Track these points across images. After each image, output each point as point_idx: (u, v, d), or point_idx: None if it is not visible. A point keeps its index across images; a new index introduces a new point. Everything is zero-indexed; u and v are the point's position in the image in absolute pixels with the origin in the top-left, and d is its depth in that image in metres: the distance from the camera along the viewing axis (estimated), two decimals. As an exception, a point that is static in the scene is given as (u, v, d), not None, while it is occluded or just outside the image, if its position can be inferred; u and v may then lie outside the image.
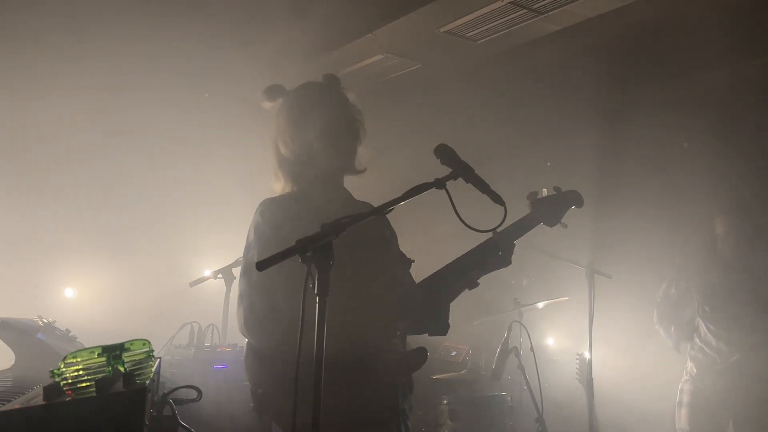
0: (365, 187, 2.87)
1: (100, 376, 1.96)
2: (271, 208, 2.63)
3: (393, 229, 2.81)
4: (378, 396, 2.50)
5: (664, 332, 4.74)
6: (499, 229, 2.52)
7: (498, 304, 5.73)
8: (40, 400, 1.92)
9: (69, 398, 1.93)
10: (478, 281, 2.71)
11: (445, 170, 2.32)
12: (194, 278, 5.16)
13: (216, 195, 6.30)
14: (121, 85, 5.91)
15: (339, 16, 5.70)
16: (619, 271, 4.89)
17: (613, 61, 5.82)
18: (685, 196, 5.34)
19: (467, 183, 2.31)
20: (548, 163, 6.30)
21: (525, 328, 4.85)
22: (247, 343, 2.57)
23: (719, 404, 4.46)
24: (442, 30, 5.79)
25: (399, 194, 2.18)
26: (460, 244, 2.69)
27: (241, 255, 2.66)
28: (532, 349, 4.67)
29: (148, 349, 2.15)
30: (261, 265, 1.91)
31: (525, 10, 5.38)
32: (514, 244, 2.72)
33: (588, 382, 4.57)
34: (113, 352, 2.04)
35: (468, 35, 5.88)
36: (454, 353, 6.16)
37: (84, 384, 1.96)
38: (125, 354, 2.06)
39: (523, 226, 2.78)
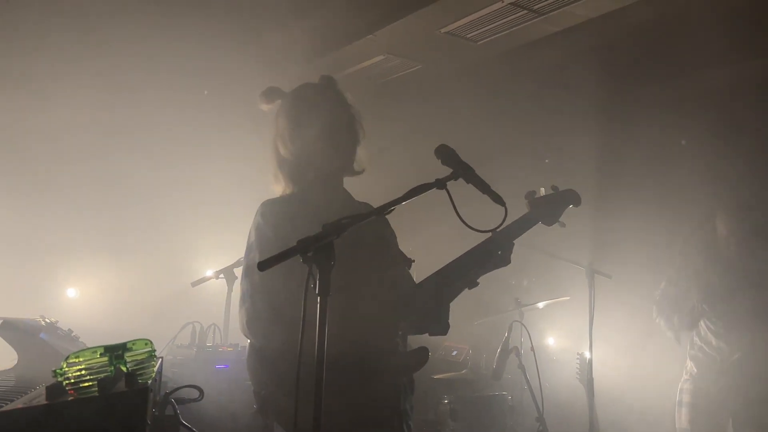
0: (366, 188, 2.88)
1: (102, 375, 1.96)
2: (271, 209, 2.64)
3: (392, 230, 2.82)
4: (380, 396, 2.50)
5: (666, 323, 4.68)
6: (498, 229, 2.53)
7: (498, 304, 5.74)
8: (42, 400, 1.93)
9: (71, 398, 1.93)
10: (478, 281, 2.71)
11: (446, 170, 2.33)
12: (196, 278, 5.16)
13: (218, 195, 6.30)
14: (123, 85, 5.91)
15: (340, 18, 5.71)
16: (620, 271, 4.90)
17: (613, 62, 5.83)
18: (685, 196, 5.34)
19: (468, 183, 2.31)
20: (546, 161, 6.31)
21: (525, 327, 4.85)
22: (250, 344, 2.57)
23: (719, 403, 4.45)
24: (442, 31, 5.79)
25: (400, 194, 2.18)
26: (460, 244, 2.69)
27: (243, 255, 2.66)
28: (532, 348, 4.68)
29: (150, 348, 2.15)
30: (262, 266, 1.92)
31: (525, 11, 5.37)
32: (513, 243, 2.72)
33: (588, 381, 4.57)
34: (115, 351, 2.05)
35: (468, 36, 5.87)
36: (454, 353, 6.16)
37: (86, 384, 1.96)
38: (127, 354, 2.07)
39: (521, 226, 2.77)
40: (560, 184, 2.94)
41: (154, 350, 2.18)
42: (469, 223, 2.23)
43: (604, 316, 4.82)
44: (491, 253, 2.68)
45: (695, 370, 4.59)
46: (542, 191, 2.91)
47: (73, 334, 3.61)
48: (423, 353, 2.58)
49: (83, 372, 1.98)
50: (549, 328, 6.14)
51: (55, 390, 1.93)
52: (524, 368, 4.69)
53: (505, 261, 2.70)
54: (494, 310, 5.75)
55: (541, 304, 5.53)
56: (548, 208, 2.87)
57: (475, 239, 2.63)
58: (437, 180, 2.25)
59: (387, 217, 2.32)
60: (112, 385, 1.93)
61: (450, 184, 2.27)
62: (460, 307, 2.78)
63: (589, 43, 5.75)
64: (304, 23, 5.69)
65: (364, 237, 2.44)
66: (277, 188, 2.76)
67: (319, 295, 1.94)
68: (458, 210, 2.24)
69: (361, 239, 2.32)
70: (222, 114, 6.22)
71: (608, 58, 5.82)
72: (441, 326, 2.64)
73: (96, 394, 1.91)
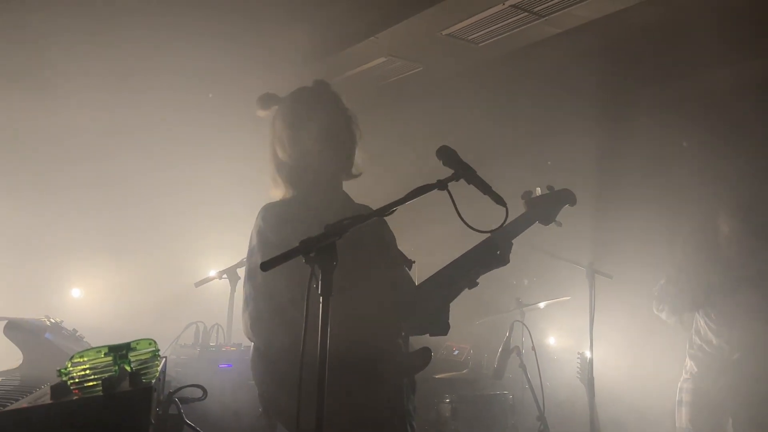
0: (368, 189, 2.89)
1: (106, 375, 1.96)
2: (272, 212, 2.64)
3: (391, 231, 2.83)
4: (383, 397, 2.50)
5: (669, 308, 4.70)
6: (499, 230, 2.54)
7: (500, 304, 5.74)
8: (47, 399, 1.93)
9: (76, 397, 1.93)
10: (478, 281, 2.72)
11: (447, 171, 2.33)
12: (199, 278, 5.15)
13: (222, 195, 6.30)
14: (127, 87, 5.93)
15: (342, 20, 5.72)
16: (620, 271, 4.91)
17: (613, 63, 5.82)
18: (686, 196, 5.34)
19: (469, 184, 2.32)
20: (549, 162, 6.31)
21: (526, 327, 4.85)
22: (254, 347, 2.56)
23: (719, 403, 4.47)
24: (443, 33, 5.80)
25: (401, 195, 2.19)
26: (461, 244, 2.71)
27: (245, 256, 2.65)
28: (533, 348, 4.69)
29: (153, 348, 2.15)
30: (265, 266, 1.92)
31: (526, 13, 5.38)
32: (512, 243, 2.74)
33: (589, 380, 4.58)
34: (120, 351, 2.05)
35: (470, 38, 5.88)
36: (456, 352, 6.15)
37: (91, 383, 1.96)
38: (131, 353, 2.07)
39: (519, 225, 2.80)
40: (561, 184, 2.96)
41: (158, 350, 2.18)
42: (470, 224, 2.23)
43: (604, 316, 4.82)
44: (490, 253, 2.70)
45: (695, 369, 4.60)
46: (538, 191, 2.94)
47: (77, 334, 3.63)
48: (426, 354, 2.59)
49: (88, 371, 1.98)
50: (550, 328, 6.14)
51: (59, 389, 1.94)
52: (525, 367, 4.69)
53: (504, 260, 2.72)
54: (495, 310, 5.75)
55: (542, 304, 5.53)
56: (545, 208, 2.90)
57: (476, 239, 2.64)
58: (439, 181, 2.25)
59: (388, 217, 2.31)
60: (116, 384, 1.93)
61: (451, 185, 2.27)
62: (461, 307, 2.79)
63: (589, 45, 5.75)
64: (306, 25, 5.70)
65: (365, 238, 2.45)
66: (276, 193, 2.76)
67: (321, 295, 1.94)
68: (459, 210, 2.23)
69: (361, 240, 2.32)
70: (223, 115, 6.24)
71: (609, 59, 5.82)
72: (441, 327, 2.66)
73: (100, 393, 1.90)
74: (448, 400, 5.16)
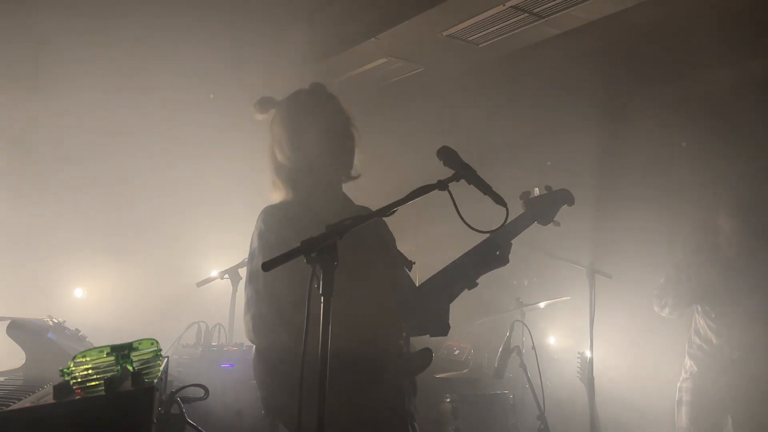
0: (369, 189, 2.90)
1: (109, 375, 1.97)
2: (273, 215, 2.63)
3: (391, 232, 2.83)
4: (384, 399, 2.50)
5: (672, 304, 4.69)
6: (499, 230, 2.54)
7: (500, 304, 5.75)
8: (50, 399, 1.95)
9: (78, 397, 1.95)
10: (477, 281, 2.73)
11: (448, 171, 2.33)
12: (201, 278, 5.14)
13: (222, 195, 6.29)
14: (129, 87, 5.92)
15: (342, 21, 5.73)
16: (620, 271, 4.92)
17: (613, 63, 5.83)
18: (686, 196, 5.35)
19: (469, 184, 2.32)
20: (549, 163, 6.32)
21: (527, 327, 4.85)
22: (255, 349, 2.55)
23: (719, 402, 4.48)
24: (444, 34, 5.80)
25: (402, 195, 2.19)
26: (461, 244, 2.71)
27: (247, 257, 2.65)
28: (533, 347, 4.68)
29: (156, 348, 2.16)
30: (267, 266, 1.92)
31: (526, 14, 5.39)
32: (512, 244, 2.74)
33: (589, 380, 4.60)
34: (122, 351, 2.05)
35: (470, 39, 5.89)
36: (457, 352, 6.16)
37: (93, 383, 1.97)
38: (134, 353, 2.08)
39: (518, 226, 2.80)
40: (561, 184, 2.97)
41: (160, 350, 2.19)
42: (470, 224, 2.24)
43: (604, 316, 4.84)
44: (490, 254, 2.70)
45: (695, 369, 4.60)
46: (536, 191, 2.95)
47: (80, 334, 3.63)
48: (427, 355, 2.60)
49: (90, 371, 1.99)
50: (550, 328, 6.14)
51: (62, 389, 1.95)
52: (525, 367, 4.68)
53: (503, 261, 2.72)
54: (496, 310, 5.75)
55: (542, 304, 5.54)
56: (543, 208, 2.90)
57: (476, 239, 2.64)
58: (439, 181, 2.25)
59: (389, 218, 2.30)
60: (118, 384, 1.94)
61: (452, 185, 2.27)
62: (461, 307, 2.80)
63: (589, 45, 5.75)
64: (307, 26, 5.71)
65: (365, 239, 2.45)
66: (276, 196, 2.75)
67: (322, 295, 1.94)
68: (460, 210, 2.24)
69: (361, 241, 2.31)
70: (224, 115, 6.24)
71: (609, 60, 5.83)
72: (441, 327, 2.66)
73: (103, 393, 1.92)
74: (449, 399, 5.16)
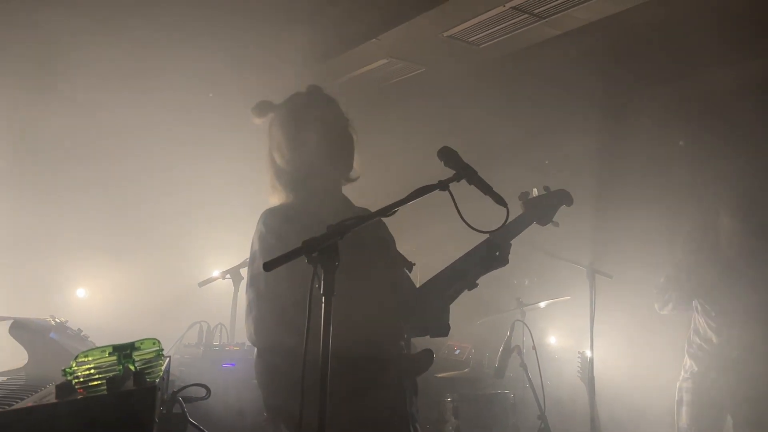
0: (370, 189, 2.90)
1: (111, 374, 1.98)
2: (273, 217, 2.63)
3: (391, 234, 2.83)
4: (385, 399, 2.50)
5: (675, 300, 4.71)
6: (499, 230, 2.54)
7: (501, 304, 5.75)
8: (52, 398, 1.96)
9: (81, 396, 1.95)
10: (477, 282, 2.73)
11: (449, 172, 2.33)
12: (203, 278, 5.16)
13: (225, 196, 6.29)
14: (130, 87, 5.93)
15: (344, 22, 5.72)
16: (620, 271, 4.93)
17: (613, 64, 5.83)
18: (686, 196, 5.35)
19: (470, 185, 2.31)
20: (546, 162, 6.33)
21: (527, 327, 4.85)
22: (257, 352, 2.55)
23: (719, 401, 4.48)
24: (445, 35, 5.80)
25: (403, 196, 2.19)
26: (462, 244, 2.72)
27: (248, 257, 2.65)
28: (534, 347, 4.70)
29: (158, 348, 2.16)
30: (268, 266, 1.91)
31: (526, 15, 5.39)
32: (511, 244, 2.75)
33: (589, 379, 4.61)
34: (124, 351, 2.06)
35: (470, 40, 5.89)
36: (457, 352, 6.17)
37: (95, 382, 1.98)
38: (136, 353, 2.08)
39: (517, 226, 2.82)
40: (561, 184, 2.98)
41: (162, 349, 2.19)
42: (471, 224, 2.24)
43: (605, 316, 4.85)
44: (490, 254, 2.70)
45: (695, 368, 4.60)
46: (535, 192, 2.96)
47: (82, 334, 3.65)
48: (428, 356, 2.60)
49: (92, 371, 2.00)
50: (550, 327, 6.15)
51: (64, 388, 1.96)
52: (526, 367, 4.70)
53: (503, 261, 2.72)
54: (496, 310, 5.75)
55: (542, 304, 5.54)
56: (542, 209, 2.92)
57: (476, 239, 2.65)
58: (440, 181, 2.25)
59: (390, 218, 2.29)
60: (120, 383, 1.95)
61: (452, 185, 2.27)
62: (462, 307, 2.81)
63: (589, 46, 5.75)
64: (307, 27, 5.70)
65: (365, 240, 2.44)
66: (275, 199, 2.74)
67: (323, 295, 1.94)
68: (460, 211, 2.24)
69: (361, 242, 2.30)
70: (225, 115, 6.25)
71: (609, 60, 5.83)
72: (441, 328, 2.66)
73: (105, 392, 1.92)
74: (450, 398, 5.16)
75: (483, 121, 6.15)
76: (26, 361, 3.26)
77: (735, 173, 5.12)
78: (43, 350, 3.28)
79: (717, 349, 4.53)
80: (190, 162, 6.35)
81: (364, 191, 2.86)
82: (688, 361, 4.68)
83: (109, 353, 2.05)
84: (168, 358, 2.49)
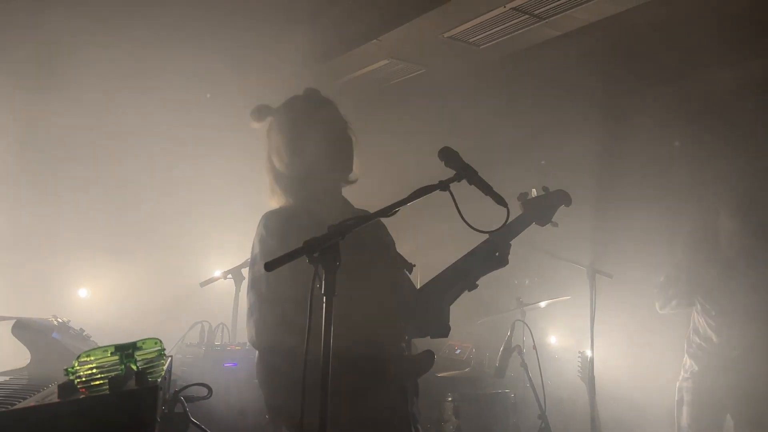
0: (370, 190, 2.91)
1: (113, 374, 1.99)
2: (274, 220, 2.62)
3: (390, 235, 2.83)
4: (385, 399, 2.50)
5: (677, 299, 4.71)
6: (499, 230, 2.53)
7: (501, 304, 5.75)
8: (54, 398, 1.96)
9: (83, 396, 1.95)
10: (477, 282, 2.73)
11: (449, 172, 2.33)
12: (204, 278, 5.17)
13: (224, 195, 6.31)
14: (130, 88, 5.93)
15: (344, 23, 5.73)
16: (620, 271, 4.92)
17: (613, 64, 5.83)
18: (686, 196, 5.35)
19: (470, 185, 2.31)
20: (543, 162, 6.33)
21: (528, 326, 4.84)
22: (259, 354, 2.55)
23: (719, 401, 4.48)
24: (445, 35, 5.82)
25: (404, 196, 2.19)
26: (462, 244, 2.72)
27: (250, 256, 2.64)
28: (534, 347, 4.70)
29: (159, 347, 2.17)
30: (269, 266, 1.91)
31: (527, 16, 5.40)
32: (510, 244, 2.74)
33: (590, 379, 4.60)
34: (126, 350, 2.06)
35: (471, 40, 5.90)
36: (458, 351, 6.17)
37: (97, 382, 1.98)
38: (138, 353, 2.09)
39: (516, 227, 2.81)
40: (562, 184, 2.98)
41: (164, 349, 2.19)
42: (471, 224, 2.24)
43: (605, 315, 4.85)
44: (489, 255, 2.71)
45: (695, 368, 4.60)
46: (534, 193, 2.97)
47: (84, 334, 3.64)
48: (429, 357, 2.60)
49: (94, 370, 2.00)
50: (551, 327, 6.14)
51: (67, 388, 1.96)
52: (527, 366, 4.69)
53: (503, 262, 2.72)
54: (497, 310, 5.76)
55: (543, 304, 5.55)
56: (541, 209, 2.92)
57: (477, 240, 2.65)
58: (441, 182, 2.25)
59: (390, 218, 2.29)
60: (122, 383, 1.95)
61: (453, 186, 2.27)
62: (463, 307, 2.81)
63: (590, 46, 5.75)
64: (308, 28, 5.71)
65: (365, 241, 2.44)
66: (274, 202, 2.74)
67: (324, 295, 1.94)
68: (461, 211, 2.24)
69: (361, 243, 2.31)
70: (225, 116, 6.25)
71: (609, 61, 5.83)
72: (442, 328, 2.66)
73: (107, 392, 1.93)
74: (451, 398, 5.17)
75: (483, 122, 6.16)
76: (29, 361, 3.26)
77: (735, 173, 5.12)
78: (45, 350, 3.27)
79: (717, 348, 4.53)
80: (190, 162, 6.34)
81: (365, 192, 2.86)
82: (688, 361, 4.68)
83: (111, 353, 2.05)
84: (170, 358, 2.47)
